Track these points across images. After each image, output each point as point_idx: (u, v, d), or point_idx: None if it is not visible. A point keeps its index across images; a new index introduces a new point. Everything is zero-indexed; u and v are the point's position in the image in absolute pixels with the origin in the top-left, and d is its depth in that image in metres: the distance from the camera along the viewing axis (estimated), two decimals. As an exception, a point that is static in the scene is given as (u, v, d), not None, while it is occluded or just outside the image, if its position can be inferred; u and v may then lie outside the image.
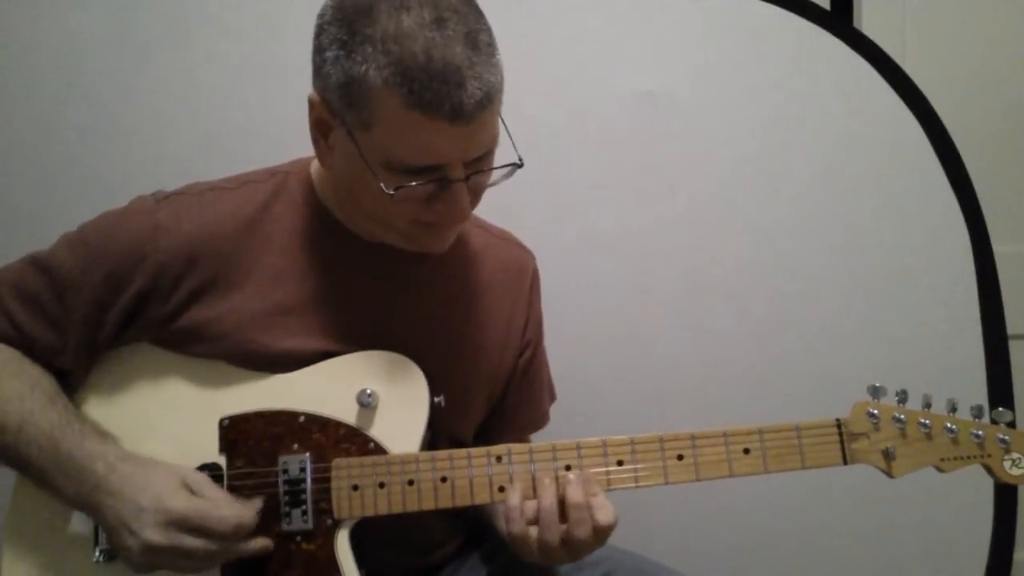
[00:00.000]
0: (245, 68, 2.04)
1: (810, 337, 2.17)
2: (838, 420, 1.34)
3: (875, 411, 1.33)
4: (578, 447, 1.32)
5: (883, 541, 2.18)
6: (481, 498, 1.31)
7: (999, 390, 2.15)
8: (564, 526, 1.26)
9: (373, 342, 1.39)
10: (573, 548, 1.26)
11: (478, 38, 1.16)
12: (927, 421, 1.33)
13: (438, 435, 1.42)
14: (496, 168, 1.28)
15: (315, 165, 1.44)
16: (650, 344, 2.16)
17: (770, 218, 2.16)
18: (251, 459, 1.33)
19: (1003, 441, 1.33)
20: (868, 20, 2.47)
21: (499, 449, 1.32)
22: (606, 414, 1.81)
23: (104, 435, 1.31)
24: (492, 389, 1.56)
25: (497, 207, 1.64)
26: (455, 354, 1.49)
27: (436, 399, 1.36)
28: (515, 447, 1.32)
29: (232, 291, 1.35)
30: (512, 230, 1.66)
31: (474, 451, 1.32)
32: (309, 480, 1.31)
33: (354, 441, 1.32)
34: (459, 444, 1.48)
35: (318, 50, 1.21)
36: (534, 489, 1.30)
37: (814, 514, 2.18)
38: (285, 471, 1.31)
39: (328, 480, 1.31)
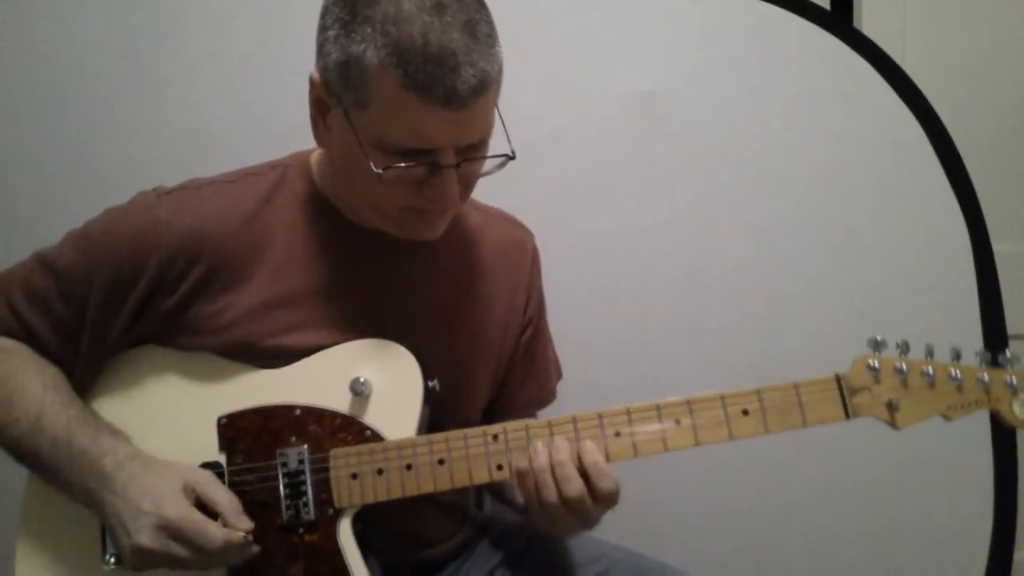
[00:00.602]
0: (245, 68, 2.05)
1: (810, 337, 2.16)
2: (837, 375, 1.32)
3: (875, 363, 1.31)
4: (574, 420, 1.31)
5: (883, 541, 2.18)
6: (479, 477, 1.31)
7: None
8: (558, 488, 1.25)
9: (377, 329, 1.40)
10: (575, 510, 1.25)
11: (477, 27, 1.18)
12: (930, 369, 1.30)
13: (445, 418, 1.41)
14: (488, 157, 1.30)
15: (315, 157, 1.46)
16: (650, 344, 2.16)
17: (770, 218, 2.16)
18: (250, 455, 1.33)
19: (1010, 384, 1.30)
20: (868, 20, 2.48)
21: (495, 428, 1.32)
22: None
23: (117, 433, 1.33)
24: (496, 369, 1.57)
25: (497, 206, 1.65)
26: (458, 336, 1.50)
27: (430, 383, 1.36)
28: (510, 425, 1.32)
29: (237, 283, 1.36)
30: (512, 229, 1.67)
31: (470, 431, 1.32)
32: (308, 472, 1.31)
33: (350, 430, 1.33)
34: (465, 426, 1.50)
35: (321, 29, 1.23)
36: None
37: (814, 514, 2.17)
38: (284, 464, 1.32)
39: (327, 471, 1.31)
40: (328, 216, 1.42)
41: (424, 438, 1.32)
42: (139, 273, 1.32)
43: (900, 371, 1.31)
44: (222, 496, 1.28)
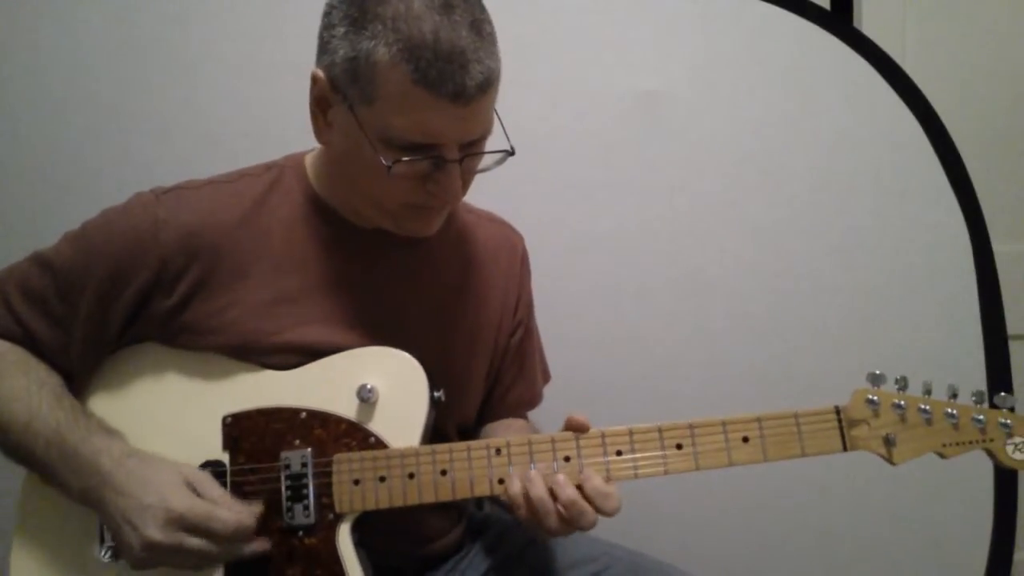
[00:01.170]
0: (245, 68, 2.04)
1: (810, 337, 2.17)
2: (837, 407, 1.33)
3: (874, 397, 1.32)
4: (576, 438, 1.32)
5: (883, 541, 2.18)
6: (481, 490, 1.31)
7: (999, 390, 2.14)
8: (563, 512, 1.25)
9: (373, 327, 1.41)
10: (575, 527, 1.26)
11: (482, 26, 1.21)
12: (927, 407, 1.32)
13: (443, 418, 1.43)
14: (489, 152, 1.32)
15: (310, 157, 1.48)
16: (650, 344, 2.16)
17: (770, 218, 2.16)
18: (253, 456, 1.33)
19: (1005, 426, 1.32)
20: (868, 20, 2.47)
21: (498, 442, 1.32)
22: (606, 414, 1.79)
23: (110, 431, 1.33)
24: (490, 368, 1.59)
25: (498, 206, 1.65)
26: (454, 335, 1.51)
27: (436, 394, 1.36)
28: (514, 440, 1.32)
29: (234, 282, 1.36)
30: (511, 228, 1.67)
31: (473, 444, 1.33)
32: (311, 475, 1.31)
33: (355, 436, 1.33)
34: (464, 427, 1.53)
35: (327, 27, 1.25)
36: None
37: (814, 514, 2.17)
38: (287, 466, 1.31)
39: (329, 475, 1.31)
40: (324, 215, 1.43)
41: (428, 448, 1.32)
42: (137, 271, 1.33)
43: (898, 407, 1.32)
44: (219, 492, 1.29)
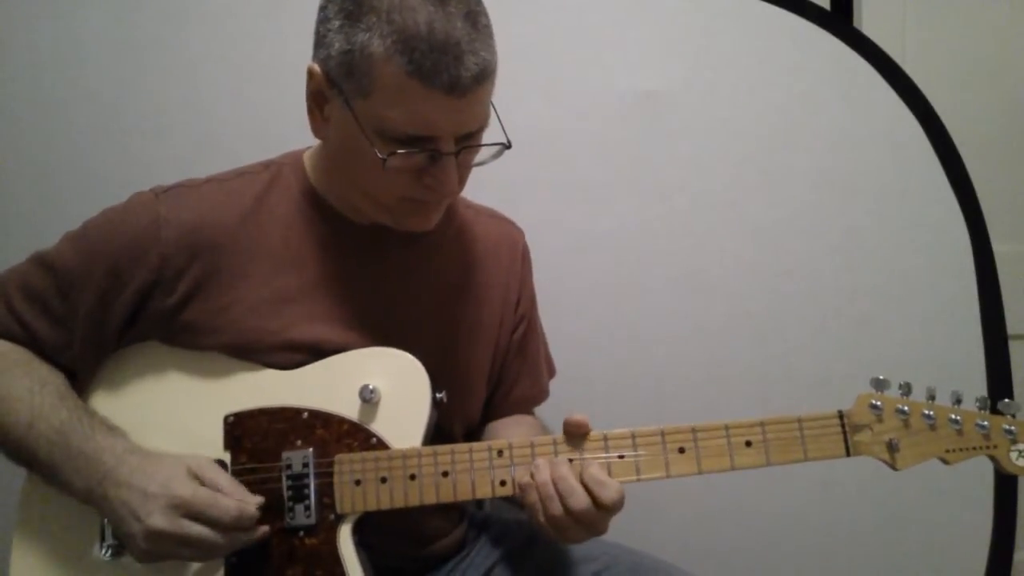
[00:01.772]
0: (245, 68, 2.05)
1: (810, 337, 2.17)
2: (840, 412, 1.33)
3: (878, 403, 1.32)
4: (579, 440, 1.32)
5: (883, 541, 2.18)
6: (482, 492, 1.31)
7: (999, 390, 2.15)
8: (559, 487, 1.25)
9: (373, 324, 1.42)
10: (582, 521, 1.25)
11: (477, 18, 1.22)
12: (931, 412, 1.31)
13: (447, 416, 1.44)
14: (485, 145, 1.32)
15: (308, 155, 1.48)
16: (650, 344, 2.16)
17: (770, 218, 2.16)
18: (255, 455, 1.33)
19: (1009, 432, 1.32)
20: (868, 20, 2.48)
21: (500, 444, 1.32)
22: (606, 414, 1.80)
23: (113, 429, 1.33)
24: (492, 365, 1.59)
25: (498, 206, 1.66)
26: (454, 331, 1.52)
27: (438, 395, 1.36)
28: (516, 442, 1.33)
29: (235, 280, 1.37)
30: (512, 229, 1.67)
31: (475, 445, 1.33)
32: (312, 475, 1.31)
33: (357, 436, 1.33)
34: (469, 425, 1.54)
35: (322, 21, 1.26)
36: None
37: (814, 513, 2.17)
38: (288, 466, 1.32)
39: (331, 475, 1.31)
40: (323, 212, 1.44)
41: (429, 449, 1.32)
42: (137, 270, 1.33)
43: (902, 412, 1.32)
44: (224, 479, 1.29)
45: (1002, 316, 2.18)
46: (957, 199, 2.16)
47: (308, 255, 1.42)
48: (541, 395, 1.71)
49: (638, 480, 1.31)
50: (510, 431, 1.57)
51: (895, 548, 2.18)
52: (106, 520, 1.32)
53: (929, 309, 2.17)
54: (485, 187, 1.54)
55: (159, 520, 1.21)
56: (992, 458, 1.33)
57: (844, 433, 1.32)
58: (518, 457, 1.31)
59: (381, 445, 1.32)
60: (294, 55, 1.44)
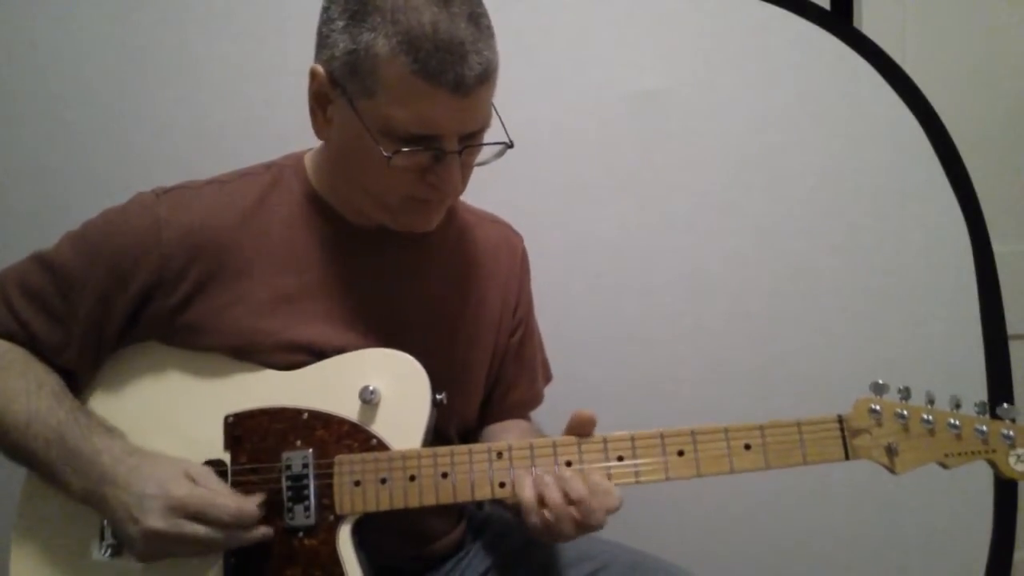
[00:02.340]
0: (245, 68, 2.04)
1: (810, 337, 2.17)
2: (839, 416, 1.33)
3: (877, 407, 1.32)
4: (579, 443, 1.32)
5: (883, 541, 2.18)
6: (482, 494, 1.31)
7: (999, 390, 2.15)
8: (576, 515, 1.25)
9: (373, 325, 1.42)
10: (587, 530, 1.26)
11: (480, 19, 1.23)
12: (930, 417, 1.31)
13: (444, 421, 1.44)
14: (488, 144, 1.33)
15: (309, 156, 1.48)
16: (650, 344, 2.16)
17: (770, 218, 2.16)
18: (255, 455, 1.33)
19: (1008, 437, 1.32)
20: (868, 20, 2.47)
21: (500, 446, 1.32)
22: (606, 414, 1.81)
23: (110, 430, 1.33)
24: (489, 368, 1.59)
25: (498, 206, 1.66)
26: (453, 333, 1.52)
27: (438, 396, 1.36)
28: (516, 444, 1.32)
29: (236, 281, 1.37)
30: (512, 229, 1.68)
31: (475, 447, 1.33)
32: (312, 476, 1.31)
33: (356, 437, 1.33)
34: (465, 428, 1.54)
35: (326, 22, 1.27)
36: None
37: (814, 513, 2.18)
38: (288, 467, 1.31)
39: (330, 476, 1.31)
40: (324, 214, 1.44)
41: (429, 451, 1.32)
42: (138, 270, 1.33)
43: (901, 416, 1.32)
44: (220, 484, 1.29)
45: (1002, 316, 2.18)
46: (957, 199, 2.17)
47: (309, 256, 1.42)
48: (537, 400, 1.71)
49: (637, 483, 1.30)
50: (507, 435, 1.56)
51: (895, 548, 2.19)
52: (105, 521, 1.32)
53: (929, 309, 2.17)
54: (486, 187, 1.54)
55: (157, 521, 1.21)
56: (991, 463, 1.34)
57: (843, 437, 1.33)
58: (517, 459, 1.31)
59: (381, 446, 1.32)
60: (295, 56, 1.44)
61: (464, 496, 1.31)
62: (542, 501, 1.25)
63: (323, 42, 1.28)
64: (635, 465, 1.31)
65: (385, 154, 1.24)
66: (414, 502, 1.30)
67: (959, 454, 1.32)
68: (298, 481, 1.31)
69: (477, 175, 1.37)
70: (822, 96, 2.16)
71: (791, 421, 1.33)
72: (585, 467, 1.31)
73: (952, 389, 1.35)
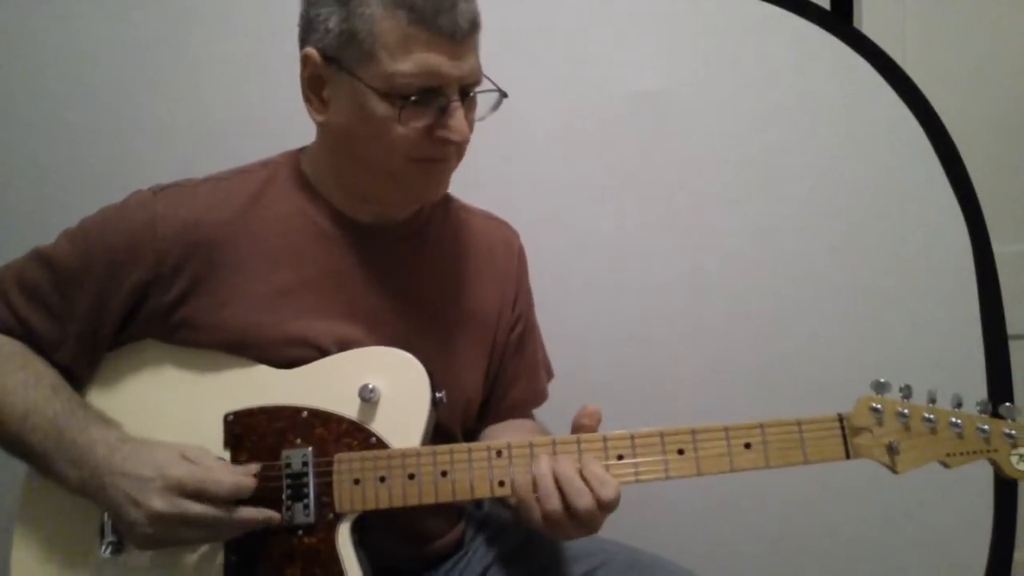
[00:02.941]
0: (245, 68, 2.05)
1: (810, 337, 2.17)
2: (840, 415, 1.32)
3: (878, 406, 1.31)
4: (578, 441, 1.31)
5: (883, 541, 2.18)
6: (481, 492, 1.31)
7: (999, 390, 2.15)
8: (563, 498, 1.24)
9: (369, 320, 1.42)
10: (580, 519, 1.24)
11: None
12: (931, 416, 1.30)
13: (445, 418, 1.44)
14: (486, 91, 1.37)
15: (304, 152, 1.49)
16: (650, 344, 2.16)
17: (770, 218, 2.16)
18: (254, 454, 1.33)
19: (1010, 436, 1.30)
20: (868, 20, 2.47)
21: (499, 444, 1.32)
22: (606, 414, 1.82)
23: (107, 421, 1.33)
24: (489, 365, 1.59)
25: (498, 206, 1.66)
26: (452, 329, 1.52)
27: (438, 394, 1.36)
28: (515, 442, 1.32)
29: (232, 276, 1.37)
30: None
31: (474, 446, 1.33)
32: (311, 474, 1.31)
33: (356, 436, 1.32)
34: (465, 425, 1.54)
35: (311, 5, 1.32)
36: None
37: (814, 513, 2.18)
38: (288, 465, 1.31)
39: (330, 474, 1.31)
40: (321, 209, 1.44)
41: (428, 449, 1.32)
42: (135, 266, 1.34)
43: (902, 415, 1.31)
44: (216, 462, 1.30)
45: (1002, 316, 2.18)
46: (957, 199, 2.17)
47: (306, 251, 1.42)
48: (539, 397, 1.70)
49: (637, 481, 1.30)
50: (510, 434, 1.56)
51: (895, 548, 2.19)
52: (106, 515, 1.32)
53: (929, 309, 2.17)
54: (486, 187, 1.55)
55: (158, 502, 1.22)
56: (992, 462, 1.32)
57: (844, 436, 1.32)
58: (517, 457, 1.31)
59: (380, 444, 1.32)
60: (294, 55, 1.44)
61: (463, 495, 1.31)
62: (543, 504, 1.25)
63: (310, 26, 1.32)
64: (635, 464, 1.31)
65: (395, 109, 1.27)
66: (413, 500, 1.30)
67: (961, 453, 1.31)
68: (298, 479, 1.31)
69: (476, 175, 1.38)
70: (822, 96, 2.16)
71: (791, 420, 1.32)
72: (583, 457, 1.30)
73: (952, 389, 1.34)
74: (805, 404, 1.36)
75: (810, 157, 2.16)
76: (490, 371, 1.60)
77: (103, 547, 1.33)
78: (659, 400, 2.12)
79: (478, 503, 1.74)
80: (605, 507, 1.24)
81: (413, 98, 1.27)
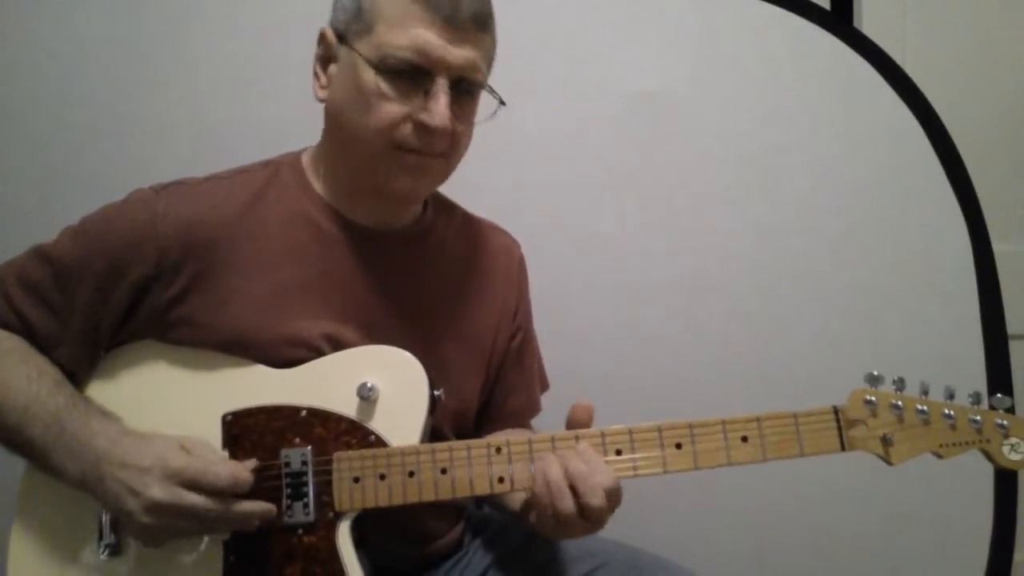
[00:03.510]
0: (245, 68, 2.05)
1: (810, 337, 2.17)
2: (835, 407, 1.33)
3: (872, 398, 1.32)
4: (576, 437, 1.32)
5: (883, 541, 2.18)
6: (480, 489, 1.31)
7: (999, 390, 2.14)
8: (576, 498, 1.24)
9: (368, 322, 1.42)
10: (591, 517, 1.25)
11: None
12: (924, 407, 1.31)
13: (439, 420, 1.43)
14: (480, 88, 1.38)
15: (306, 153, 1.50)
16: (650, 344, 2.16)
17: (770, 218, 2.16)
18: (253, 453, 1.32)
19: (1002, 426, 1.32)
20: (868, 20, 2.47)
21: (498, 440, 1.32)
22: (606, 414, 1.82)
23: (107, 415, 1.33)
24: (487, 372, 1.59)
25: (498, 206, 1.66)
26: (450, 332, 1.52)
27: (436, 392, 1.36)
28: (514, 439, 1.32)
29: (232, 275, 1.37)
30: (513, 230, 1.69)
31: (473, 443, 1.32)
32: (311, 473, 1.31)
33: (355, 434, 1.32)
34: (459, 429, 1.52)
35: None
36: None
37: (814, 513, 2.18)
38: (287, 464, 1.31)
39: (329, 473, 1.31)
40: (321, 211, 1.44)
41: (427, 446, 1.32)
42: (135, 263, 1.34)
43: (896, 407, 1.32)
44: (215, 454, 1.31)
45: (1002, 316, 2.18)
46: (957, 199, 2.17)
47: (306, 252, 1.42)
48: (534, 407, 1.71)
49: (635, 476, 1.30)
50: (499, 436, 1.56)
51: (895, 548, 2.19)
52: (104, 515, 1.32)
53: (929, 309, 2.18)
54: (486, 187, 1.55)
55: (157, 492, 1.21)
56: (985, 452, 1.34)
57: (839, 428, 1.33)
58: (516, 454, 1.31)
59: (379, 443, 1.32)
60: (294, 55, 1.45)
61: (463, 492, 1.31)
62: (546, 483, 1.25)
63: (334, 4, 1.37)
64: (633, 459, 1.31)
65: (381, 80, 1.29)
66: (413, 498, 1.30)
67: (954, 444, 1.33)
68: (297, 478, 1.31)
69: (476, 176, 1.37)
70: (822, 96, 2.17)
71: (787, 413, 1.33)
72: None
73: (947, 383, 1.35)
74: (805, 404, 1.36)
75: (810, 157, 2.16)
76: (487, 379, 1.60)
77: (101, 549, 1.33)
78: (659, 400, 2.12)
79: (478, 503, 1.74)
80: (610, 495, 1.25)
81: (400, 71, 1.28)
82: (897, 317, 2.17)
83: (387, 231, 1.45)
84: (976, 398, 1.34)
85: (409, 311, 1.47)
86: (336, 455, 1.31)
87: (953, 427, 1.32)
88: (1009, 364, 2.17)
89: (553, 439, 1.32)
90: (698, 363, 2.17)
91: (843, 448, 1.33)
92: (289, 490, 1.31)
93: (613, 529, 1.34)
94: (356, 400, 1.33)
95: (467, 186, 1.52)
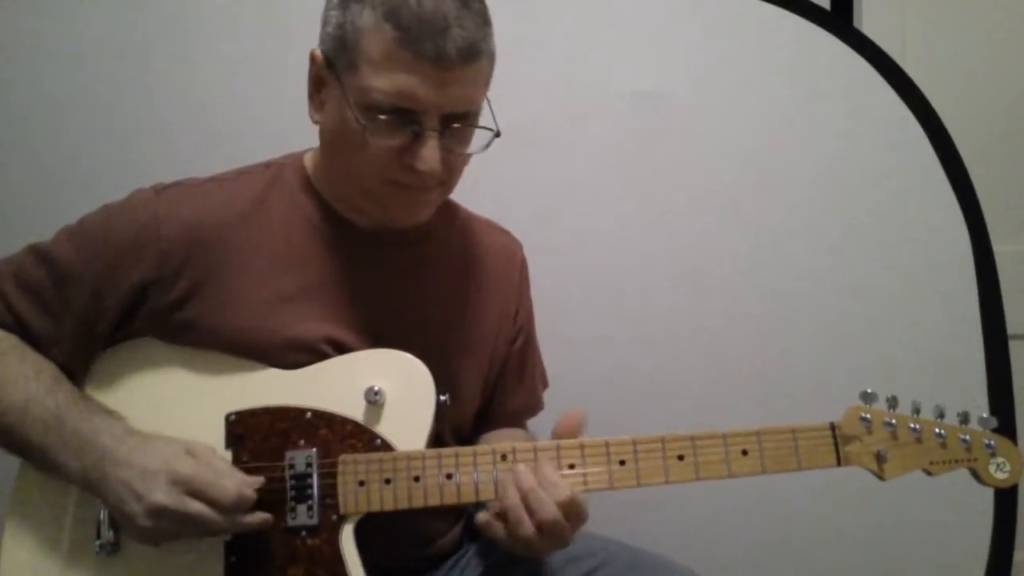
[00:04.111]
0: (245, 68, 2.04)
1: (810, 337, 2.17)
2: (832, 424, 1.36)
3: (867, 415, 1.36)
4: (581, 447, 1.32)
5: (883, 541, 2.18)
6: (486, 495, 1.31)
7: (999, 390, 2.15)
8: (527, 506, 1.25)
9: (371, 325, 1.42)
10: (551, 534, 1.25)
11: (470, 2, 1.25)
12: (917, 426, 1.36)
13: (442, 423, 1.43)
14: (472, 126, 1.33)
15: (309, 156, 1.49)
16: (650, 344, 2.16)
17: (770, 218, 2.16)
18: (257, 454, 1.33)
19: (989, 446, 1.37)
20: (868, 20, 2.48)
21: (504, 447, 1.33)
22: (606, 414, 1.83)
23: (110, 412, 1.33)
24: (488, 374, 1.59)
25: (497, 206, 1.65)
26: (452, 336, 1.52)
27: (442, 397, 1.36)
28: (519, 446, 1.33)
29: (234, 278, 1.37)
30: (512, 229, 1.69)
31: (479, 449, 1.33)
32: (315, 475, 1.30)
33: (361, 438, 1.32)
34: (460, 433, 1.53)
35: (327, 7, 1.30)
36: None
37: (814, 513, 2.17)
38: (291, 466, 1.31)
39: (334, 476, 1.31)
40: (324, 213, 1.44)
41: (434, 452, 1.32)
42: (136, 265, 1.33)
43: (889, 424, 1.36)
44: (222, 462, 1.30)
45: (1002, 316, 2.18)
46: (957, 199, 2.17)
47: (308, 255, 1.42)
48: (536, 407, 1.71)
49: (638, 485, 1.32)
50: (504, 442, 1.56)
51: (895, 548, 2.19)
52: (102, 514, 1.32)
53: (929, 309, 2.18)
54: (486, 187, 1.54)
55: (161, 496, 1.21)
56: (972, 471, 1.38)
57: (835, 444, 1.36)
58: (521, 461, 1.31)
59: (385, 447, 1.32)
60: (294, 55, 1.44)
61: (468, 497, 1.31)
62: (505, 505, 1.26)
63: (323, 24, 1.31)
64: (637, 469, 1.32)
65: (361, 123, 1.25)
66: (418, 503, 1.30)
67: (943, 462, 1.37)
68: (302, 480, 1.31)
69: (476, 176, 1.37)
70: (822, 96, 2.16)
71: (786, 428, 1.36)
72: (587, 472, 1.32)
73: (952, 390, 1.37)
74: (805, 404, 1.37)
75: (810, 157, 2.16)
76: (488, 380, 1.60)
77: (98, 548, 1.32)
78: (659, 400, 2.12)
79: (479, 503, 1.74)
80: (567, 508, 1.25)
81: (383, 117, 1.25)
82: (897, 317, 2.17)
83: (390, 233, 1.44)
84: (964, 417, 1.38)
85: (411, 314, 1.47)
86: (342, 458, 1.31)
87: (943, 446, 1.37)
88: (1009, 364, 2.17)
89: (559, 447, 1.32)
90: (698, 362, 2.16)
91: (839, 463, 1.36)
92: (293, 492, 1.31)
93: (614, 529, 1.34)
94: (363, 403, 1.33)
95: (467, 186, 1.52)
